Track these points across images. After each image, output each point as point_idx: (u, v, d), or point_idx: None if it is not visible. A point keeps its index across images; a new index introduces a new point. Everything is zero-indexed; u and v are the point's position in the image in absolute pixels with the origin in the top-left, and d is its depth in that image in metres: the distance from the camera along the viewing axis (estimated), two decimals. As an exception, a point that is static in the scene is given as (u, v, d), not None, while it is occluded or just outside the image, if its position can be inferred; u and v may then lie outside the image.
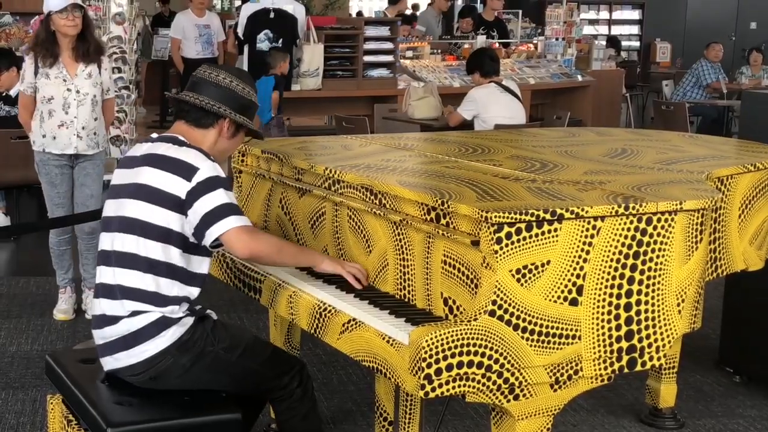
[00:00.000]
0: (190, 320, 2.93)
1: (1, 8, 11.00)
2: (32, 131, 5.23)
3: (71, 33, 5.05)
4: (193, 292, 2.96)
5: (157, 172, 2.90)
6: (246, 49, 8.81)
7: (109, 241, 2.97)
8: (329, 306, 2.83)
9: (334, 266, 3.01)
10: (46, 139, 5.16)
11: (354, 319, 2.71)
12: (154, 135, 3.07)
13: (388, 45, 9.38)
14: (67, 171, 5.25)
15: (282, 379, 3.02)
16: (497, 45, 10.96)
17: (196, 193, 2.85)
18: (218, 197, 2.86)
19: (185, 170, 2.87)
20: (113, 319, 2.92)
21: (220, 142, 3.06)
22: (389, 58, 9.37)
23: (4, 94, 7.18)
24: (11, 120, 7.11)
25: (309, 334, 2.97)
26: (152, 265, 2.88)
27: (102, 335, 2.97)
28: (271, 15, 8.63)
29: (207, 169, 2.88)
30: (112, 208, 3.00)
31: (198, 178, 2.86)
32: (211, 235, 2.87)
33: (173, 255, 2.89)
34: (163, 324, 2.88)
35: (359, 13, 18.80)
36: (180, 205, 2.86)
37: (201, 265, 2.97)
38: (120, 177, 3.03)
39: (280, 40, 8.61)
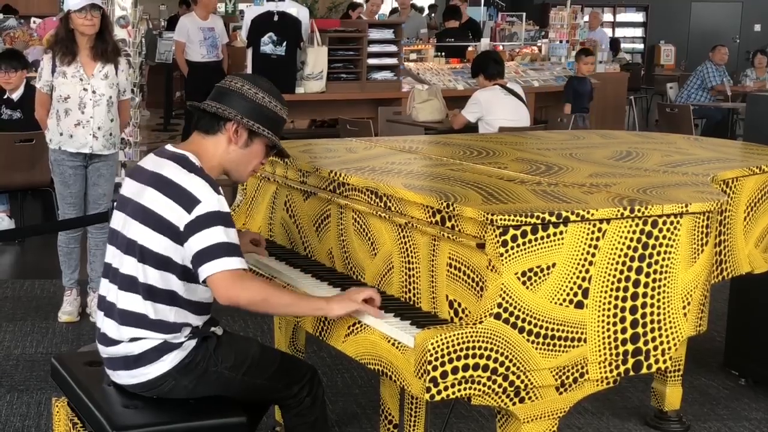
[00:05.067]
0: (192, 343, 2.86)
1: (18, 14, 11.01)
2: (48, 129, 5.27)
3: (89, 32, 5.10)
4: (196, 320, 2.88)
5: (159, 197, 2.78)
6: (250, 51, 8.82)
7: (116, 259, 2.91)
8: (335, 309, 2.82)
9: (345, 306, 2.71)
10: (62, 137, 5.20)
11: (359, 322, 2.70)
12: (169, 147, 2.92)
13: (392, 48, 9.38)
14: (80, 171, 5.29)
15: (291, 389, 2.98)
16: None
17: (193, 227, 2.72)
18: (214, 235, 2.71)
19: (187, 200, 2.74)
20: (114, 341, 2.88)
21: (232, 151, 2.89)
22: (393, 60, 9.37)
23: (5, 97, 7.21)
24: (14, 123, 7.13)
25: (314, 336, 2.97)
26: (152, 293, 2.80)
27: (104, 351, 2.94)
28: (275, 18, 8.64)
29: (209, 202, 2.73)
30: (119, 221, 2.92)
31: (198, 211, 2.72)
32: (200, 275, 2.75)
33: (174, 283, 2.80)
34: (164, 349, 2.83)
35: (354, 2, 18.46)
36: (178, 236, 2.75)
37: (205, 293, 2.85)
38: (128, 188, 2.93)
39: (284, 43, 8.62)
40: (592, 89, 9.90)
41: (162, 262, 2.79)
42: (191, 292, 2.84)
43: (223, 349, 2.91)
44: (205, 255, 2.72)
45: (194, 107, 2.94)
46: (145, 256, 2.80)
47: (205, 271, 2.72)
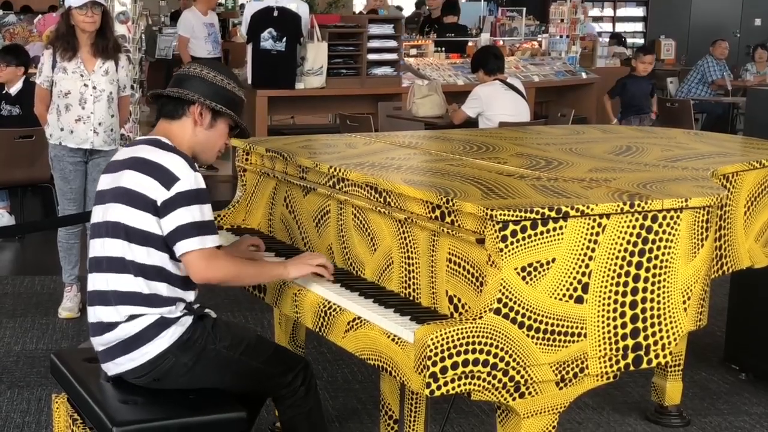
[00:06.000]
0: (188, 319, 2.92)
1: (31, 11, 10.99)
2: (48, 124, 5.27)
3: (89, 29, 5.11)
4: (188, 295, 2.94)
5: (138, 176, 2.87)
6: (250, 47, 8.80)
7: (99, 247, 2.96)
8: (334, 304, 2.83)
9: (300, 269, 2.97)
10: (63, 132, 5.20)
11: (359, 318, 2.70)
12: (138, 138, 3.04)
13: (392, 43, 9.36)
14: (80, 167, 5.29)
15: (286, 377, 3.02)
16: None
17: (171, 204, 2.82)
18: (191, 213, 2.83)
19: (166, 177, 2.84)
20: (111, 325, 2.91)
21: (199, 133, 3.01)
22: (393, 56, 9.36)
23: (4, 92, 7.20)
24: (13, 119, 7.13)
25: (314, 332, 2.97)
26: (141, 269, 2.86)
27: (101, 341, 2.96)
28: (275, 13, 8.63)
29: (187, 180, 2.85)
30: (99, 213, 2.98)
31: (177, 188, 2.83)
32: (177, 251, 2.85)
33: (160, 259, 2.87)
34: (161, 325, 2.87)
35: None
36: (157, 211, 2.84)
37: None
38: (105, 182, 3.01)
39: (284, 39, 8.61)
40: (653, 89, 9.62)
41: (146, 238, 2.86)
42: (177, 266, 2.90)
43: (220, 329, 2.97)
44: (181, 233, 2.83)
45: (156, 95, 3.06)
46: (130, 234, 2.86)
47: (180, 248, 2.84)
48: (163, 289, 2.88)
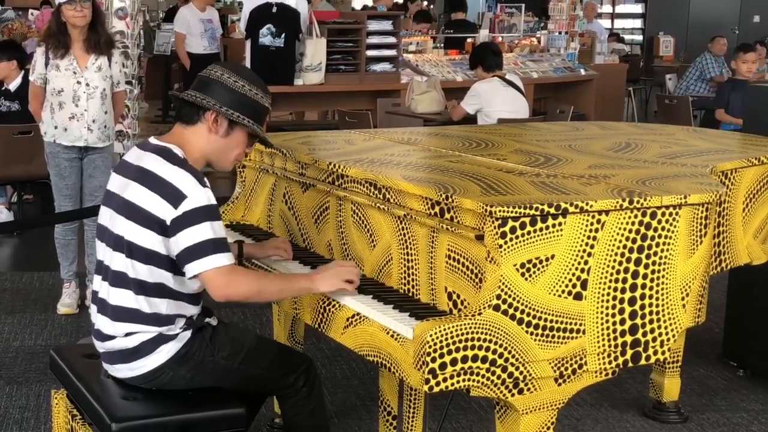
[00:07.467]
0: (187, 334, 2.87)
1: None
2: (43, 122, 5.27)
3: (79, 24, 5.10)
4: (189, 310, 2.88)
5: (144, 191, 2.77)
6: (249, 43, 8.80)
7: (104, 255, 2.91)
8: (333, 300, 2.83)
9: (330, 283, 2.81)
10: (57, 130, 5.20)
11: (358, 314, 2.70)
12: (152, 140, 2.91)
13: (391, 39, 9.36)
14: (76, 163, 5.29)
15: (288, 379, 2.99)
16: None
17: (180, 223, 2.71)
18: (202, 231, 2.70)
19: (173, 195, 2.71)
20: (109, 336, 2.88)
21: (213, 141, 2.87)
22: (392, 52, 9.35)
23: (3, 88, 7.19)
24: (12, 115, 7.12)
25: (313, 328, 2.97)
26: (142, 287, 2.80)
27: (101, 346, 2.94)
28: (274, 9, 8.61)
29: (195, 197, 2.72)
30: (107, 217, 2.91)
31: (185, 207, 2.70)
32: (190, 271, 2.74)
33: (162, 277, 2.79)
34: (159, 341, 2.83)
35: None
36: (164, 229, 2.74)
37: (194, 285, 2.84)
38: (114, 183, 2.92)
39: (283, 35, 8.60)
40: None
41: (149, 257, 2.78)
42: (180, 284, 2.83)
43: (219, 338, 2.92)
44: (193, 252, 2.72)
45: (174, 97, 2.95)
46: (132, 251, 2.79)
47: (194, 268, 2.73)
48: (163, 306, 2.82)
